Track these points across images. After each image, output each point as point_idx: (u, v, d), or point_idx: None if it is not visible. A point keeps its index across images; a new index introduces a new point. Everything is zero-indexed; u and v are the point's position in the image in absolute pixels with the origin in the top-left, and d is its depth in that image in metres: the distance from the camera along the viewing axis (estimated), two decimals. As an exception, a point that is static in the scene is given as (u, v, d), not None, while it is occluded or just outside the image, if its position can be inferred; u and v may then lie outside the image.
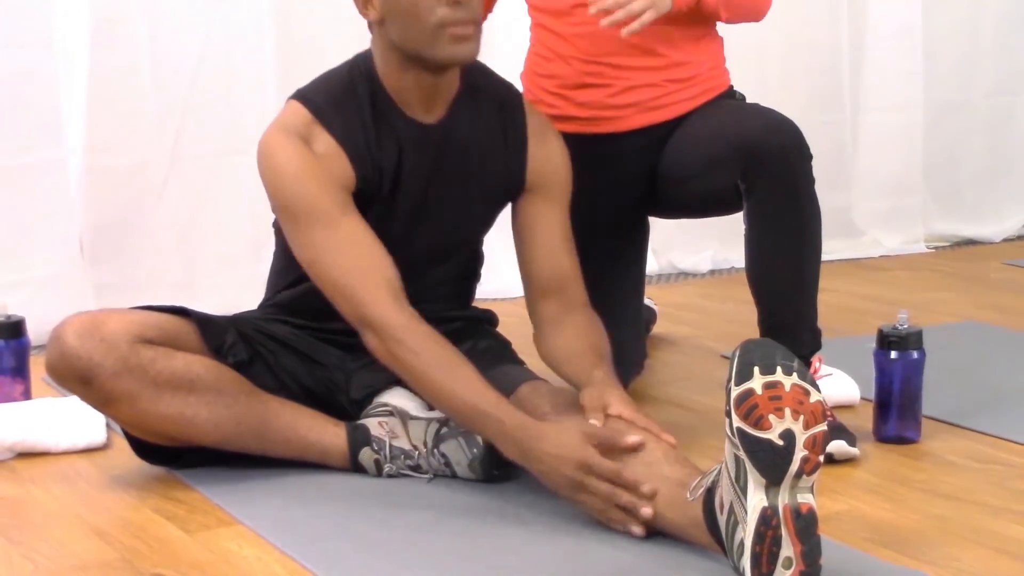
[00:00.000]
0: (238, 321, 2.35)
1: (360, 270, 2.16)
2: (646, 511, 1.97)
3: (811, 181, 2.45)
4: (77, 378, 2.16)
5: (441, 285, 2.38)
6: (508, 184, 2.37)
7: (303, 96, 2.26)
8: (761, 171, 2.41)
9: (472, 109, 2.32)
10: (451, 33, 2.15)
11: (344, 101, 2.24)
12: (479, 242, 2.46)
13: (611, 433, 2.04)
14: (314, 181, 2.18)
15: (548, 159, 2.39)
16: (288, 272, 2.35)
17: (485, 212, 2.40)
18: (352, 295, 2.16)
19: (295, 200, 2.19)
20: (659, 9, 2.39)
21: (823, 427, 1.79)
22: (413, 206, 2.29)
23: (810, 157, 2.44)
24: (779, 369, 1.79)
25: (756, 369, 1.78)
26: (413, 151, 2.27)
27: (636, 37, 2.48)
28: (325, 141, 2.21)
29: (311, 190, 2.18)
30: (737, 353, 1.81)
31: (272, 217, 2.33)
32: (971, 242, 4.53)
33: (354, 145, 2.22)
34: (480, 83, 2.35)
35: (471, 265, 2.47)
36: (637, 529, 1.99)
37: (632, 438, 2.03)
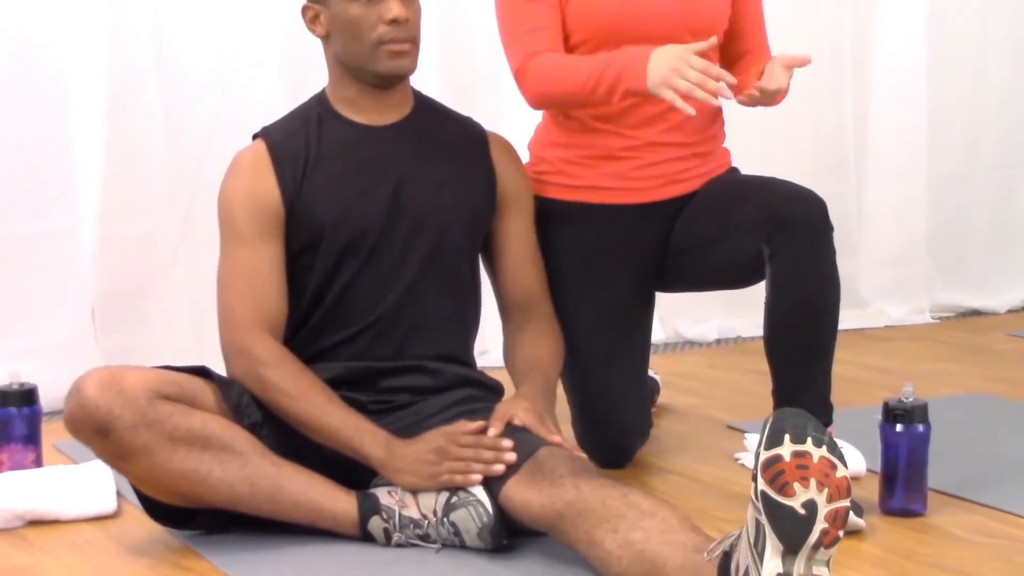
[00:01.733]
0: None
1: (248, 298, 2.35)
2: (510, 456, 2.20)
3: (833, 252, 2.49)
4: (95, 430, 2.18)
5: (439, 314, 2.44)
6: (481, 201, 2.50)
7: (263, 129, 2.48)
8: (786, 237, 2.44)
9: (431, 118, 2.51)
10: (388, 49, 2.36)
11: (296, 128, 2.45)
12: (471, 269, 2.52)
13: (465, 424, 2.27)
14: (243, 205, 2.38)
15: (515, 178, 2.55)
16: (290, 316, 2.41)
17: (463, 219, 2.48)
18: (232, 318, 2.34)
19: (225, 219, 2.40)
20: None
21: (846, 503, 1.80)
22: (386, 201, 2.40)
23: (832, 228, 2.48)
24: (810, 440, 1.81)
25: (787, 437, 1.80)
26: (366, 149, 2.42)
27: (670, 112, 2.53)
28: (267, 172, 2.40)
29: (237, 212, 2.38)
30: (770, 419, 1.83)
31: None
32: (976, 313, 4.54)
33: (292, 176, 2.40)
34: (437, 106, 2.55)
35: (467, 299, 2.52)
36: (499, 466, 2.19)
37: (480, 424, 2.26)
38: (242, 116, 3.52)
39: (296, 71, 3.56)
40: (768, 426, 1.81)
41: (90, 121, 3.36)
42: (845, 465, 1.81)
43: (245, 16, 3.53)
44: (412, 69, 2.42)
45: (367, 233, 2.40)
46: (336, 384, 2.36)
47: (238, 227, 2.38)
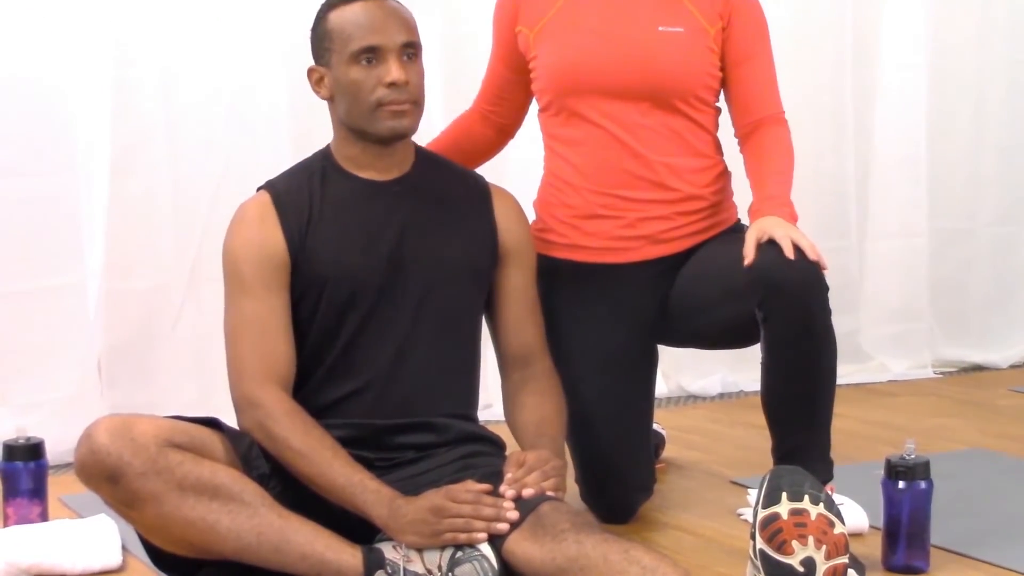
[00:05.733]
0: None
1: (258, 351, 2.36)
2: (512, 515, 2.18)
3: (828, 313, 2.48)
4: (105, 476, 2.19)
5: (442, 370, 2.45)
6: (483, 256, 2.52)
7: (268, 182, 2.49)
8: (779, 301, 2.44)
9: (433, 173, 2.53)
10: (388, 110, 2.39)
11: (300, 182, 2.47)
12: (473, 324, 2.53)
13: (470, 484, 2.26)
14: (249, 256, 2.39)
15: (517, 232, 2.57)
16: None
17: (464, 274, 2.50)
18: (241, 370, 2.36)
19: (230, 270, 2.41)
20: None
21: (844, 559, 1.81)
22: (387, 257, 2.42)
23: (827, 289, 2.47)
24: (807, 497, 1.82)
25: (784, 495, 1.81)
26: (368, 203, 2.45)
27: (647, 170, 2.56)
28: (272, 224, 2.42)
29: (243, 264, 2.39)
30: (767, 477, 1.84)
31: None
32: (978, 368, 4.55)
33: (296, 228, 2.42)
34: (439, 160, 2.59)
35: (470, 353, 2.53)
36: (502, 525, 2.18)
37: (486, 486, 2.25)
38: (248, 171, 3.54)
39: (303, 127, 3.59)
40: (765, 484, 1.83)
41: (96, 176, 3.39)
42: (843, 522, 1.82)
43: (252, 72, 3.56)
44: (413, 129, 2.45)
45: (367, 289, 2.41)
46: (343, 443, 2.36)
47: (244, 278, 2.39)
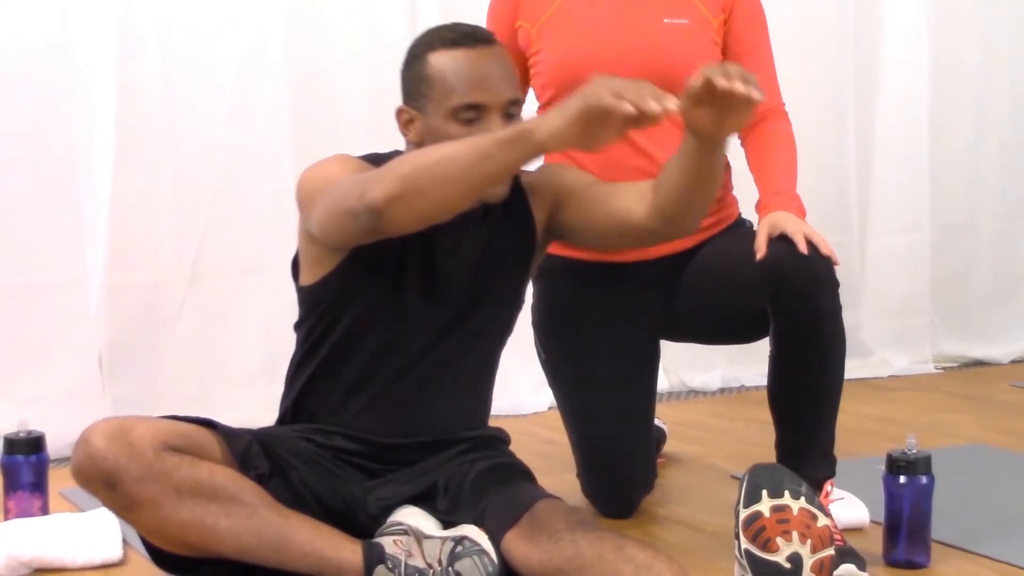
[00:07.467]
0: (260, 436, 2.38)
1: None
2: (673, 100, 1.95)
3: (838, 308, 2.49)
4: (102, 481, 2.18)
5: (458, 400, 2.42)
6: (518, 274, 2.43)
7: None
8: (791, 295, 2.45)
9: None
10: None
11: None
12: (500, 345, 2.47)
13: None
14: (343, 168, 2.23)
15: (543, 186, 2.42)
16: (307, 363, 2.41)
17: (507, 298, 2.43)
18: (344, 191, 2.14)
19: (323, 177, 2.23)
20: None
21: (830, 551, 1.81)
22: (422, 273, 2.32)
23: (838, 285, 2.48)
24: (787, 493, 1.82)
25: (764, 492, 1.81)
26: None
27: (652, 167, 2.54)
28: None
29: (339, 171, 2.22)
30: (746, 477, 1.84)
31: (288, 326, 2.40)
32: (979, 363, 4.55)
33: None
34: None
35: (489, 376, 2.49)
36: (671, 103, 1.95)
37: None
38: (249, 167, 3.56)
39: (304, 123, 3.60)
40: (745, 483, 1.83)
41: (98, 171, 3.39)
42: (825, 514, 1.82)
43: (254, 67, 3.56)
44: (503, 196, 2.29)
45: (398, 326, 2.35)
46: (345, 452, 2.37)
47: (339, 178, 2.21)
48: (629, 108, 1.90)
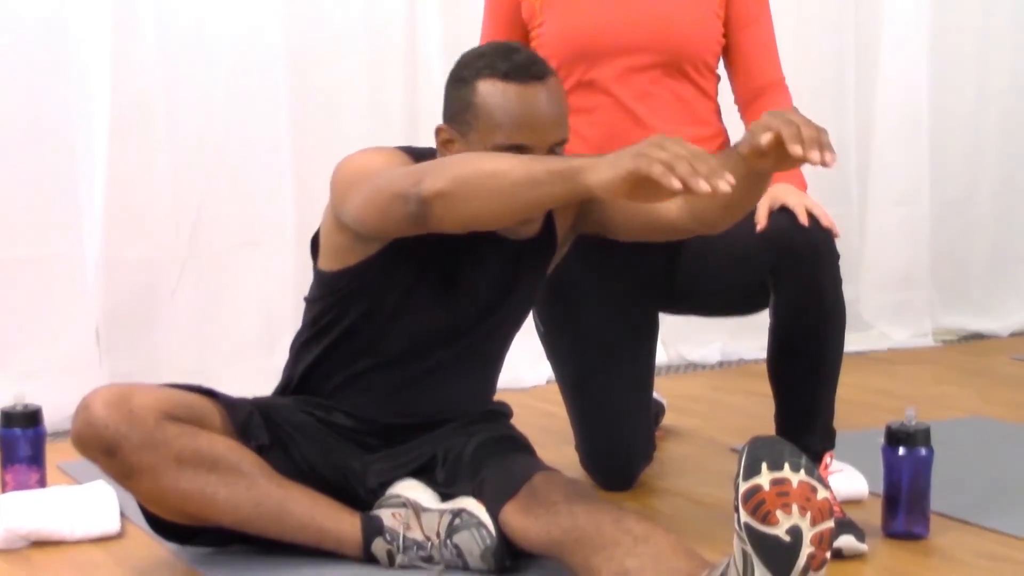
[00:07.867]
0: (261, 406, 2.38)
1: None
2: (725, 186, 1.82)
3: (839, 281, 2.49)
4: (102, 449, 2.17)
5: (467, 389, 2.43)
6: (542, 268, 2.43)
7: None
8: (791, 266, 2.45)
9: None
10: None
11: None
12: (511, 338, 2.48)
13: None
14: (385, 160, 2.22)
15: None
16: (313, 345, 2.40)
17: (517, 311, 2.44)
18: (400, 174, 2.13)
19: (363, 167, 2.21)
20: None
21: (830, 524, 1.80)
22: (441, 283, 2.33)
23: (838, 257, 2.49)
24: (787, 465, 1.81)
25: (764, 465, 1.80)
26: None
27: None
28: None
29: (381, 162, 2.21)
30: (745, 449, 1.83)
31: (294, 299, 2.39)
32: (978, 336, 4.55)
33: None
34: None
35: (498, 363, 2.50)
36: (724, 184, 1.82)
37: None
38: (246, 140, 3.55)
39: (300, 96, 3.59)
40: (744, 456, 1.82)
41: (95, 144, 3.38)
42: (825, 486, 1.81)
43: (251, 43, 3.54)
44: (532, 234, 2.30)
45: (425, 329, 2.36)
46: (348, 430, 2.37)
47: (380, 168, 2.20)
48: (677, 186, 1.83)
